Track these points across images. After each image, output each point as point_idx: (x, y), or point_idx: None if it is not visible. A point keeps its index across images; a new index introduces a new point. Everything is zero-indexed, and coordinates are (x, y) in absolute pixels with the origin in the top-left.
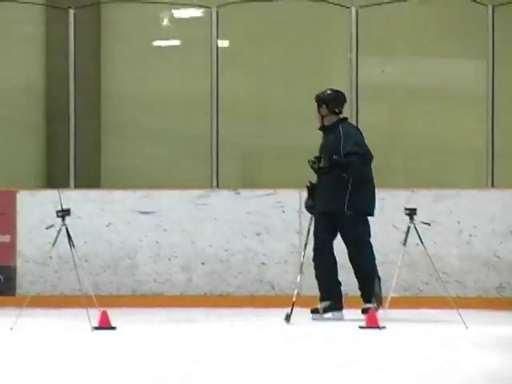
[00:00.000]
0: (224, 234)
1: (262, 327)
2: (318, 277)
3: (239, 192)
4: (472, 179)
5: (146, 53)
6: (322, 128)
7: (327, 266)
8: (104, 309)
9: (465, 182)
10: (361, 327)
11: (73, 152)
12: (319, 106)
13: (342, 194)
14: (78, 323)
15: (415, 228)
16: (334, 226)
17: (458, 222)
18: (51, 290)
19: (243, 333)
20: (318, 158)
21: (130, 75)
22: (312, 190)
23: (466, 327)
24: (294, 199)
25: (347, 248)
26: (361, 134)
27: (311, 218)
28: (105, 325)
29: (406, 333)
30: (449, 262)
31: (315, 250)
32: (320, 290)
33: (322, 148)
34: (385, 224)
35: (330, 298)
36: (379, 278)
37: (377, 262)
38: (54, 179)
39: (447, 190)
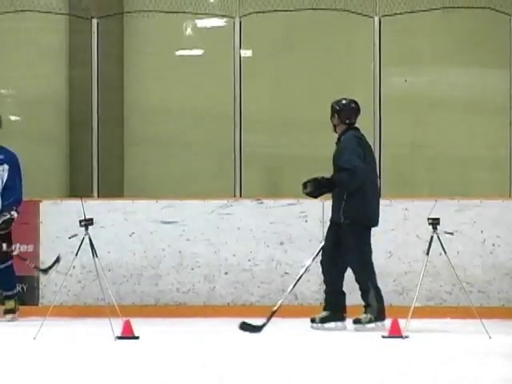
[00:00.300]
0: (247, 243)
1: (285, 338)
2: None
3: (262, 202)
4: (495, 189)
5: (168, 63)
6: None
7: (330, 274)
8: (127, 318)
9: (488, 191)
10: (384, 337)
11: (96, 161)
12: (332, 115)
13: (338, 203)
14: (101, 332)
15: (438, 238)
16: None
17: (482, 232)
18: (74, 299)
19: (266, 343)
20: (313, 180)
21: (152, 85)
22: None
23: (490, 337)
24: (318, 209)
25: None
26: (364, 143)
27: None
28: (128, 334)
29: (428, 342)
30: (472, 272)
31: (322, 257)
32: (324, 299)
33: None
34: (408, 234)
35: (330, 308)
36: (376, 289)
37: (401, 271)
38: (77, 189)
39: (471, 199)
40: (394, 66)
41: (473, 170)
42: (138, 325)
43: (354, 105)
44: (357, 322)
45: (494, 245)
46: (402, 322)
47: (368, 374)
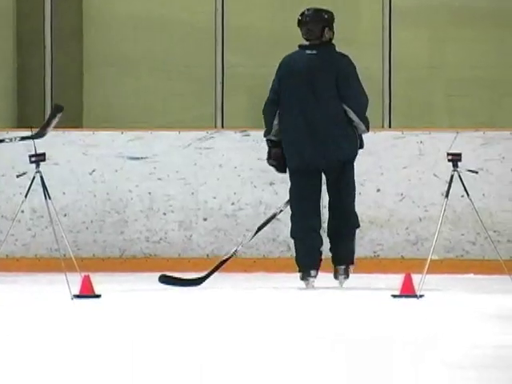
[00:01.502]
0: (230, 183)
1: (275, 295)
2: None
3: (249, 133)
4: None
5: None
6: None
7: None
8: (86, 273)
9: None
10: (394, 296)
11: (49, 85)
12: (323, 28)
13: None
14: (55, 290)
15: (460, 177)
16: None
17: None
18: (23, 250)
19: (251, 302)
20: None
21: None
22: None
23: None
24: None
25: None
26: None
27: None
28: (87, 292)
29: (448, 303)
30: (500, 218)
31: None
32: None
33: None
34: (424, 172)
35: None
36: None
37: (415, 217)
38: (26, 118)
39: (498, 131)
40: None
41: (501, 95)
42: (100, 281)
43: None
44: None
45: None
46: (416, 278)
47: (374, 342)
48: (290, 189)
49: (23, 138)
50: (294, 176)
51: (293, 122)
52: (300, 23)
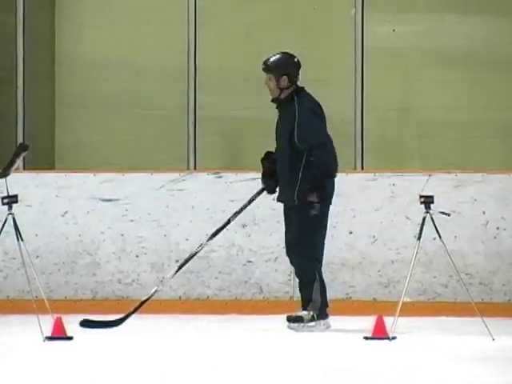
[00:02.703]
0: (203, 225)
1: (248, 337)
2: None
3: (221, 175)
4: (500, 161)
5: (109, 9)
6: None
7: None
8: (58, 315)
9: (492, 164)
10: (366, 338)
11: (21, 126)
12: (277, 78)
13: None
14: (27, 332)
15: (432, 219)
16: None
17: (484, 213)
18: None
19: (225, 344)
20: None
21: (90, 35)
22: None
23: (493, 339)
24: None
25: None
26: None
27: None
28: (59, 334)
29: (419, 345)
30: (472, 261)
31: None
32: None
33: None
34: (396, 214)
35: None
36: (322, 281)
37: (387, 259)
38: None
39: (470, 174)
40: (380, 12)
41: (473, 137)
42: (72, 322)
43: (296, 59)
44: (297, 320)
45: (498, 228)
46: (388, 321)
47: (346, 383)
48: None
49: None
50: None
51: None
52: (299, 66)
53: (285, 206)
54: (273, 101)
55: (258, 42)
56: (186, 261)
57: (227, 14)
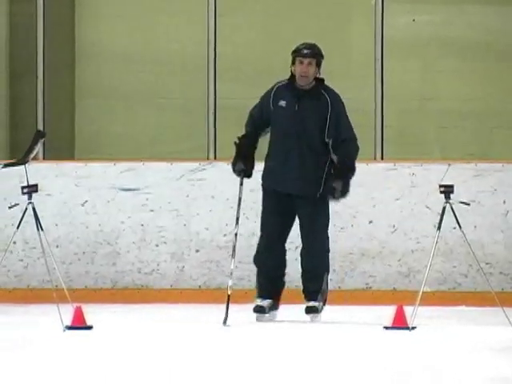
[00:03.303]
0: (223, 215)
1: (269, 327)
2: None
3: None
4: None
5: None
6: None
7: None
8: (78, 304)
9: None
10: (386, 328)
11: (41, 116)
12: (317, 65)
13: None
14: (47, 321)
15: (452, 209)
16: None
17: (504, 202)
18: (15, 281)
19: (245, 334)
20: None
21: (110, 25)
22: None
23: None
24: None
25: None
26: None
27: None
28: (79, 323)
29: (439, 335)
30: (492, 250)
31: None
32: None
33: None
34: (416, 204)
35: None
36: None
37: (407, 249)
38: (18, 148)
39: (490, 163)
40: (400, 2)
41: (493, 127)
42: (92, 312)
43: None
44: (313, 310)
45: None
46: (408, 310)
47: (367, 374)
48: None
49: (6, 166)
50: None
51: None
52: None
53: (288, 196)
54: (298, 88)
55: (278, 31)
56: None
57: (246, 3)
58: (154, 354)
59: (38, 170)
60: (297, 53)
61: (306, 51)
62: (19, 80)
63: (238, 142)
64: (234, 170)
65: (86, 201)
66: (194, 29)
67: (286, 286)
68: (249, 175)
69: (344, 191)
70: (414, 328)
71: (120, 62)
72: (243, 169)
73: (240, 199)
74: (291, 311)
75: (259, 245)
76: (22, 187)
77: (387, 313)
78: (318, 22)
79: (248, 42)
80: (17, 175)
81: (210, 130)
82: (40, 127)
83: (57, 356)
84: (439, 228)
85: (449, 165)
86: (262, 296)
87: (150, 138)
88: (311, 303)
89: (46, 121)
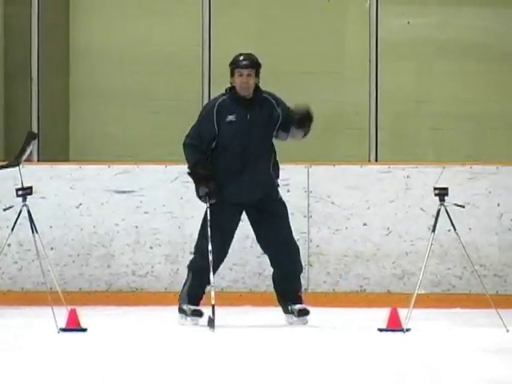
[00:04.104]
0: None
1: (261, 329)
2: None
3: None
4: None
5: (123, 1)
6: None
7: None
8: (73, 307)
9: (506, 156)
10: (380, 330)
11: (36, 118)
12: (256, 74)
13: (268, 175)
14: (41, 323)
15: (446, 211)
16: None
17: (498, 205)
18: (9, 284)
19: (238, 336)
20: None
21: (104, 27)
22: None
23: (507, 330)
24: (302, 176)
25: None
26: None
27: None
28: (74, 325)
29: (434, 337)
30: (486, 253)
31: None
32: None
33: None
34: (410, 206)
35: None
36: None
37: (401, 251)
38: (13, 151)
39: (485, 166)
40: (394, 4)
41: (487, 129)
42: (86, 314)
43: None
44: (306, 312)
45: None
46: (402, 313)
47: (362, 375)
48: None
49: None
50: None
51: None
52: None
53: (249, 204)
54: (242, 99)
55: (272, 34)
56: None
57: (241, 5)
58: (148, 356)
59: (33, 173)
60: (235, 65)
61: (245, 62)
62: (13, 82)
63: (192, 172)
64: (200, 197)
65: (81, 203)
66: (188, 30)
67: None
68: (214, 197)
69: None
70: (408, 330)
71: (114, 64)
72: (207, 192)
73: (208, 221)
74: (282, 315)
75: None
76: (17, 189)
77: (382, 315)
78: (312, 24)
79: (242, 44)
80: (11, 177)
81: None
82: (34, 129)
83: (51, 358)
84: (434, 230)
85: (443, 168)
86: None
87: (145, 140)
88: (300, 306)
89: (41, 123)
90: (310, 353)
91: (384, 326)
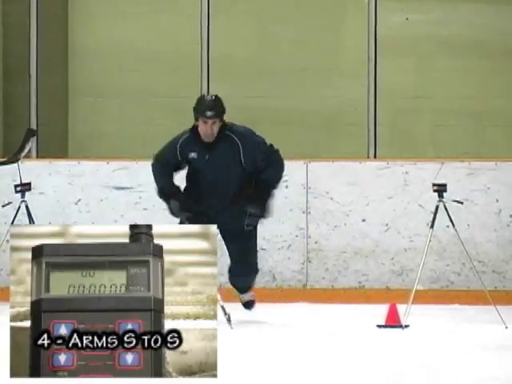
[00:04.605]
0: None
1: (260, 325)
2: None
3: None
4: None
5: None
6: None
7: None
8: None
9: (504, 152)
10: (379, 326)
11: (35, 115)
12: (221, 118)
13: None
14: None
15: (445, 207)
16: None
17: (497, 201)
18: (8, 280)
19: (238, 332)
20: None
21: (103, 24)
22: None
23: (506, 327)
24: (301, 172)
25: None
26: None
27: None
28: None
29: (432, 333)
30: (485, 249)
31: None
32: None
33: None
34: (409, 203)
35: None
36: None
37: (400, 248)
38: (11, 147)
39: (484, 162)
40: (393, 0)
41: (486, 125)
42: None
43: None
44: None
45: (511, 216)
46: (401, 309)
47: (361, 372)
48: None
49: None
50: None
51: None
52: None
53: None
54: (204, 142)
55: (271, 31)
56: None
57: (240, 2)
58: None
59: (31, 169)
60: (199, 114)
61: (209, 113)
62: (12, 79)
63: (164, 197)
64: (182, 222)
65: (79, 199)
66: (187, 28)
67: (276, 285)
68: (185, 209)
69: (262, 213)
70: (406, 326)
71: (113, 61)
72: (188, 215)
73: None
74: (281, 311)
75: None
76: (15, 185)
77: (380, 311)
78: (310, 21)
79: (241, 42)
80: (10, 173)
81: None
82: (33, 126)
83: None
84: (432, 226)
85: (442, 163)
86: None
87: (143, 137)
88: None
89: (39, 119)
90: (308, 349)
91: (383, 323)
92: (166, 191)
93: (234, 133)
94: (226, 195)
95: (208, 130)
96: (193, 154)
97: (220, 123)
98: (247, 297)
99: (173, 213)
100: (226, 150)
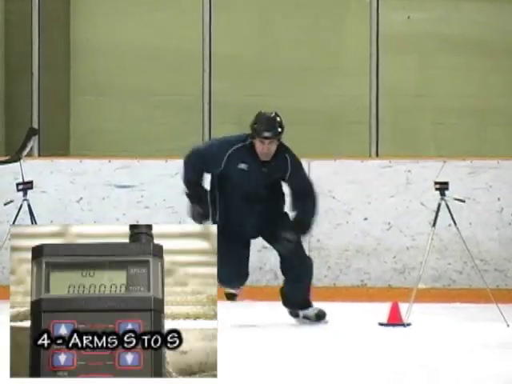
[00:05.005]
0: None
1: (262, 324)
2: None
3: None
4: None
5: None
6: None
7: None
8: None
9: (507, 151)
10: (381, 324)
11: (37, 113)
12: (280, 135)
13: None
14: None
15: (447, 206)
16: None
17: (499, 199)
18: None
19: (239, 331)
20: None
21: (105, 23)
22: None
23: (508, 325)
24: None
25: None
26: None
27: None
28: None
29: (434, 332)
30: (487, 247)
31: None
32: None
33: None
34: (411, 201)
35: None
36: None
37: (402, 246)
38: (13, 145)
39: (486, 160)
40: None
41: (488, 124)
42: None
43: None
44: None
45: None
46: (403, 307)
47: (363, 370)
48: None
49: (0, 163)
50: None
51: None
52: None
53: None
54: (259, 159)
55: (273, 28)
56: None
57: (242, 1)
58: None
59: (33, 167)
60: (257, 133)
61: (266, 134)
62: (14, 77)
63: (190, 193)
64: (195, 218)
65: (81, 198)
66: (189, 26)
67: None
68: (206, 216)
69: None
70: (408, 324)
71: (115, 60)
72: (200, 212)
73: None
74: (282, 309)
75: None
76: (17, 184)
77: (382, 309)
78: (313, 19)
79: (243, 40)
80: (12, 172)
81: (204, 128)
82: (35, 124)
83: None
84: (434, 225)
85: (444, 162)
86: None
87: (145, 135)
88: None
89: (42, 118)
90: (310, 348)
91: (385, 321)
92: (192, 193)
93: (286, 150)
94: (260, 208)
95: (265, 149)
96: (242, 165)
97: (277, 142)
98: (311, 311)
99: (193, 218)
100: (278, 168)
